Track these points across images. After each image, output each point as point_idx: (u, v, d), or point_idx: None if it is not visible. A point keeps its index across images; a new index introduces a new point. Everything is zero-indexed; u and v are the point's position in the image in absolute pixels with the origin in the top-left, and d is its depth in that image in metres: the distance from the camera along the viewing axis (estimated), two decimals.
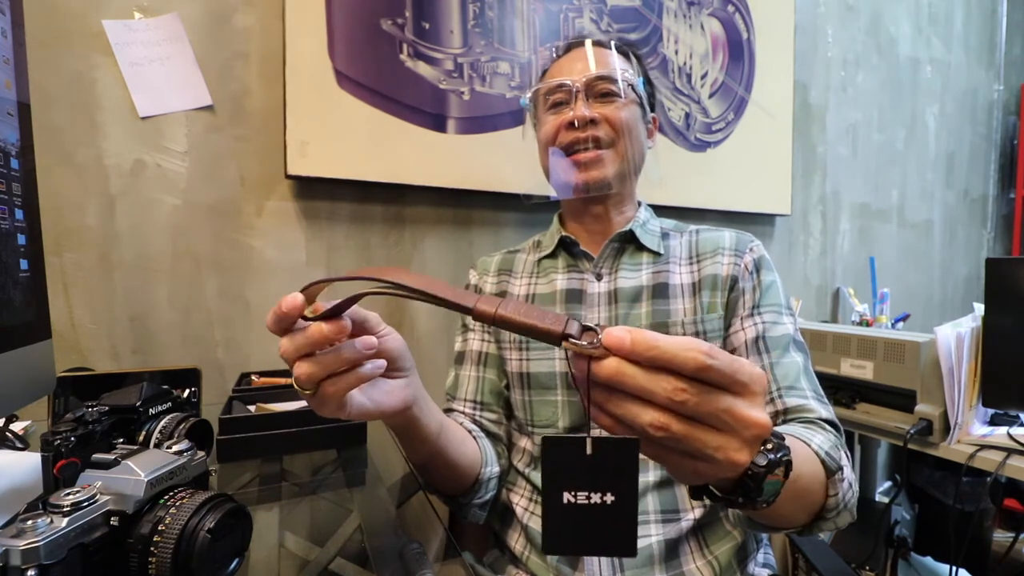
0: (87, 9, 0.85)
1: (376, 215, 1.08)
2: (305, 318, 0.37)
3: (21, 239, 0.51)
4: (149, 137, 0.89)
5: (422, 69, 1.05)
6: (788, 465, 0.33)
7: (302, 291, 0.37)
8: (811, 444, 0.49)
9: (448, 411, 0.74)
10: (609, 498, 0.28)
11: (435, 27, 1.06)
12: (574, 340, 0.28)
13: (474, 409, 0.73)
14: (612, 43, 0.76)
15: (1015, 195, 2.45)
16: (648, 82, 0.79)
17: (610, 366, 0.27)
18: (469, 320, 0.78)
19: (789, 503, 0.42)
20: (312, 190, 1.01)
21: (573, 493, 0.28)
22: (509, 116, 1.14)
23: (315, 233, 1.02)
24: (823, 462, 0.48)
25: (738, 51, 1.49)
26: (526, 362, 0.71)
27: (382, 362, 0.42)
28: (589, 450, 0.29)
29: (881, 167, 2.01)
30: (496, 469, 0.67)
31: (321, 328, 0.37)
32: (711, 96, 1.45)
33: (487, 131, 1.12)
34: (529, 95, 0.79)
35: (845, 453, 0.54)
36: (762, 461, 0.31)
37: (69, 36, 0.84)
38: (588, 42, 0.76)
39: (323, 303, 0.39)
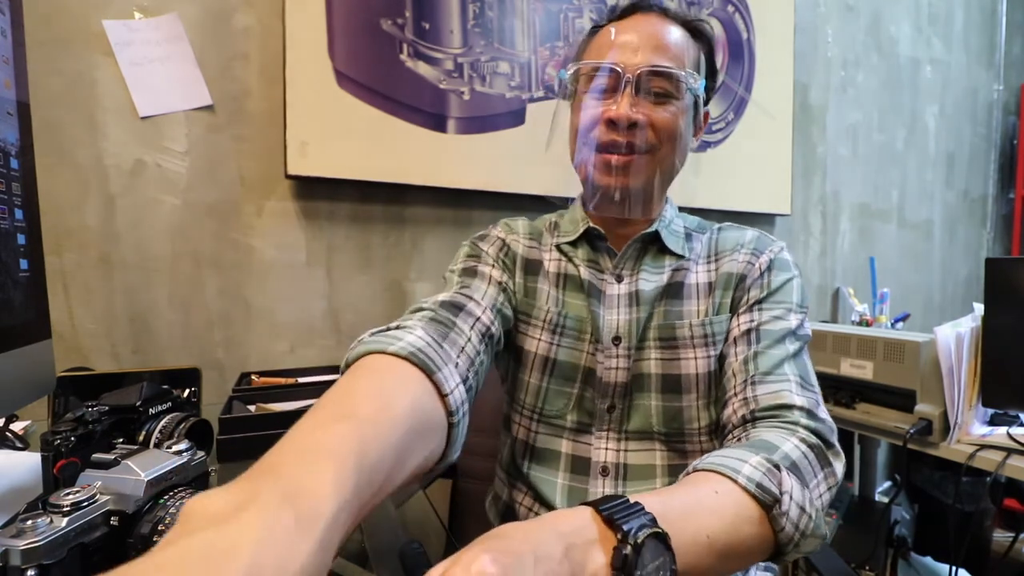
0: (87, 9, 0.85)
1: (376, 215, 1.08)
2: None
3: (21, 239, 0.51)
4: (149, 137, 0.89)
5: (422, 69, 1.05)
6: (652, 539, 0.30)
7: None
8: (738, 480, 0.42)
9: (456, 307, 0.56)
10: None
11: (435, 27, 1.06)
12: None
13: (492, 320, 0.59)
14: (679, 17, 0.65)
15: (1015, 195, 2.45)
16: (710, 74, 0.67)
17: None
18: (484, 253, 0.66)
19: (719, 562, 0.38)
20: (312, 190, 1.01)
21: None
22: (509, 116, 1.14)
23: (315, 233, 1.02)
24: (754, 497, 0.42)
25: (738, 51, 1.49)
26: (556, 347, 0.65)
27: None
28: None
29: (881, 167, 2.01)
30: (457, 455, 0.51)
31: None
32: None
33: (487, 131, 1.12)
34: (571, 70, 0.66)
35: (811, 444, 0.48)
36: (620, 561, 0.28)
37: (69, 36, 0.84)
38: (651, 11, 0.64)
39: None
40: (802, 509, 0.44)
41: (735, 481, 0.42)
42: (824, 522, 0.46)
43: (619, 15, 0.66)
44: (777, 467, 0.44)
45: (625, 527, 0.30)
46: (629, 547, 0.29)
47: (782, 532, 0.42)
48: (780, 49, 1.58)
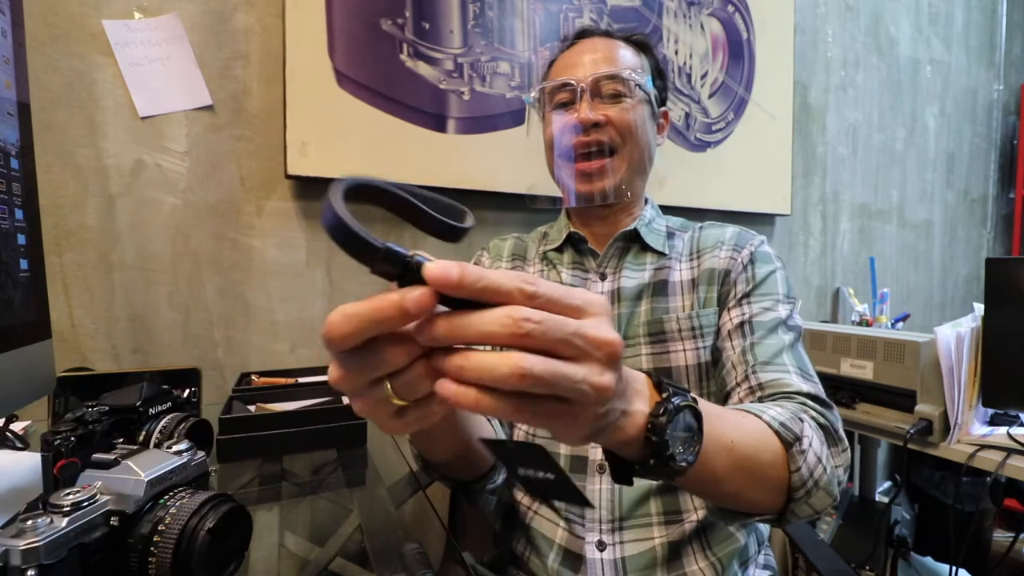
0: (87, 9, 0.85)
1: (376, 215, 1.06)
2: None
3: (21, 239, 0.51)
4: (149, 137, 0.89)
5: (422, 69, 1.05)
6: (689, 411, 0.33)
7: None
8: (763, 416, 0.46)
9: None
10: (549, 475, 0.30)
11: (435, 27, 1.06)
12: (382, 268, 0.26)
13: None
14: (621, 35, 0.74)
15: (1015, 195, 2.45)
16: (658, 76, 0.75)
17: (443, 323, 0.25)
18: None
19: (736, 475, 0.40)
20: (312, 190, 1.01)
21: (523, 469, 0.31)
22: (509, 116, 1.14)
23: (315, 233, 1.02)
24: (777, 433, 0.45)
25: (738, 51, 1.49)
26: None
27: None
28: (511, 447, 0.33)
29: (881, 167, 2.01)
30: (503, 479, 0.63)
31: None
32: (711, 96, 1.44)
33: (487, 131, 1.12)
34: (535, 92, 0.76)
35: (821, 424, 0.50)
36: (659, 410, 0.32)
37: (69, 36, 0.84)
38: (595, 35, 0.73)
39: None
40: (819, 459, 0.47)
41: (760, 417, 0.46)
42: (837, 484, 0.49)
43: (569, 44, 0.75)
44: (800, 418, 0.48)
45: (670, 391, 0.34)
46: (671, 405, 0.32)
47: (797, 472, 0.45)
48: (780, 49, 1.58)
